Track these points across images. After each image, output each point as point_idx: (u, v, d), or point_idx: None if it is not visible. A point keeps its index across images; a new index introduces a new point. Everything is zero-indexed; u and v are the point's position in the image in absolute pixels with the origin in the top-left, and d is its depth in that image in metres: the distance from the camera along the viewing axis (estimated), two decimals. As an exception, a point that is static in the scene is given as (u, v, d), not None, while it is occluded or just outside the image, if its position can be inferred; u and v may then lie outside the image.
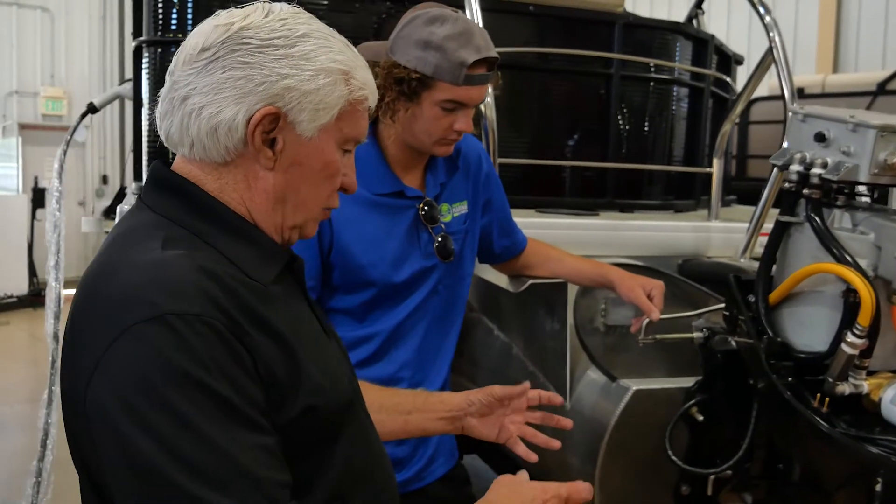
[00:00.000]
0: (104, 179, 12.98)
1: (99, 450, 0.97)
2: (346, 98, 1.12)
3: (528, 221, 2.41)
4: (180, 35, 2.97)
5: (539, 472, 2.46)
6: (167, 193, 1.12)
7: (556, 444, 1.62)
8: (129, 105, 3.77)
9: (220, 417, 0.94)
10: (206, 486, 0.91)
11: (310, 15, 1.15)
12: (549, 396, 1.68)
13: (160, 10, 2.99)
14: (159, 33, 3.01)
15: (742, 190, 4.51)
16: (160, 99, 1.13)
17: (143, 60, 3.07)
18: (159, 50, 3.00)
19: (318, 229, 1.73)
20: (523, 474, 1.31)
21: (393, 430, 1.58)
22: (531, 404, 1.67)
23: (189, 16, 2.99)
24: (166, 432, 0.92)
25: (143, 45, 3.04)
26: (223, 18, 1.11)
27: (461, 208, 2.04)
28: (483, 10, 2.58)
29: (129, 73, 3.66)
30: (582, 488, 1.28)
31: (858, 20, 10.01)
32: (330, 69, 1.10)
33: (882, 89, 6.12)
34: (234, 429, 0.95)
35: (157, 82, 3.00)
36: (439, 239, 1.94)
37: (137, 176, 3.14)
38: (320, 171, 1.15)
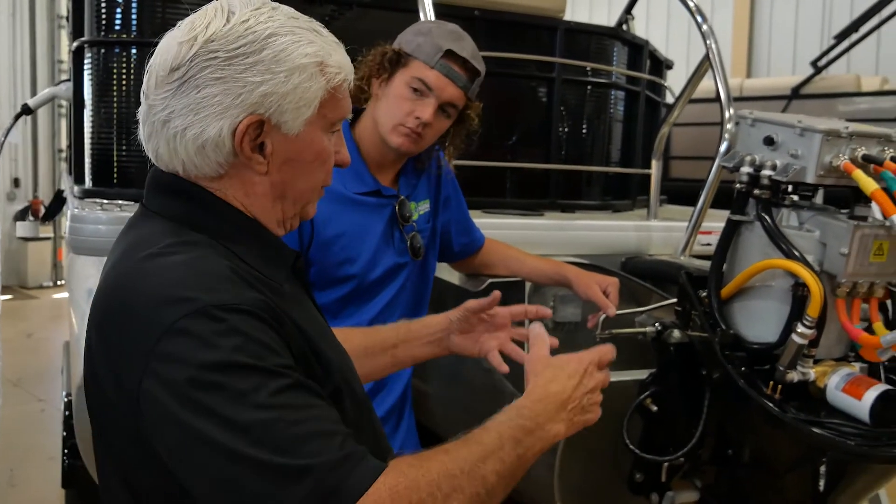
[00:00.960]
0: (16, 182, 12.54)
1: (162, 444, 0.98)
2: (324, 88, 1.13)
3: (476, 222, 2.47)
4: (124, 35, 2.94)
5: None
6: (180, 199, 1.13)
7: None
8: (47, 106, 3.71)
9: (277, 388, 0.96)
10: (282, 454, 0.92)
11: (272, 6, 1.14)
12: (537, 310, 1.68)
13: (103, 10, 2.95)
14: (102, 34, 2.96)
15: (666, 189, 4.65)
16: (140, 120, 1.14)
17: (85, 61, 3.02)
18: (102, 51, 2.95)
19: (300, 226, 1.77)
20: (536, 326, 1.38)
21: (384, 367, 1.61)
22: (517, 319, 1.67)
23: (133, 16, 2.95)
24: (230, 414, 0.93)
25: (85, 45, 2.99)
26: (185, 32, 1.10)
27: (425, 206, 2.10)
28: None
29: (41, 73, 3.60)
30: (606, 350, 1.39)
31: (770, 27, 10.43)
32: (303, 65, 1.10)
33: (796, 94, 6.41)
34: (293, 396, 0.97)
35: (101, 83, 2.96)
36: (411, 237, 2.00)
37: (79, 178, 3.09)
38: (313, 161, 1.17)
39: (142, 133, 1.14)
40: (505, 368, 1.60)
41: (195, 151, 1.09)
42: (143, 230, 1.14)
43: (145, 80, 1.13)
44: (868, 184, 1.72)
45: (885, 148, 1.81)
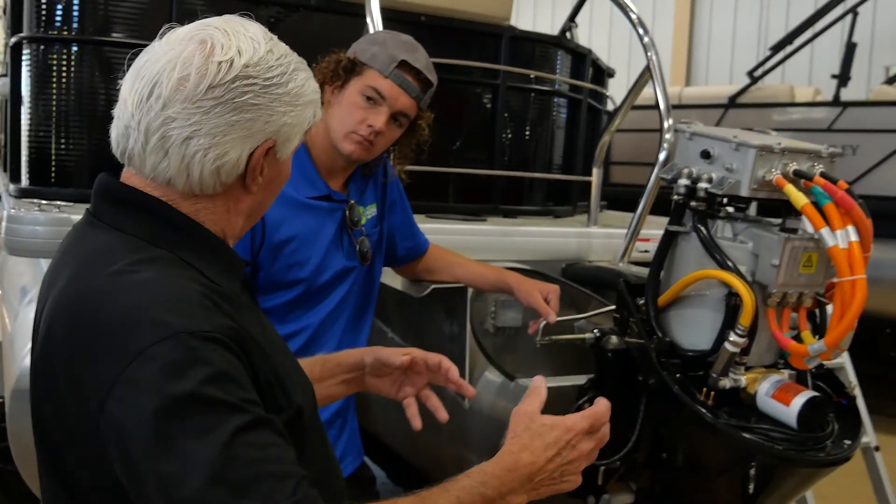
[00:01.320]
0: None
1: (121, 470, 0.98)
2: (312, 120, 1.19)
3: (419, 227, 2.49)
4: (65, 32, 2.89)
5: (436, 469, 2.54)
6: (134, 211, 1.12)
7: (443, 415, 1.53)
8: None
9: (240, 426, 0.96)
10: (237, 495, 0.93)
11: (274, 38, 1.16)
12: (449, 368, 1.54)
13: (43, 7, 2.90)
14: (42, 30, 2.91)
15: (607, 195, 4.73)
16: (132, 126, 1.09)
17: (24, 57, 2.96)
18: (42, 47, 2.90)
19: (251, 231, 1.77)
20: (539, 378, 1.26)
21: None
22: (432, 371, 1.55)
23: (75, 12, 2.90)
24: (190, 449, 0.93)
25: (24, 41, 2.93)
26: (219, 53, 1.08)
27: (372, 211, 2.12)
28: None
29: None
30: (600, 412, 1.23)
31: (709, 38, 10.68)
32: (314, 101, 1.18)
33: (732, 103, 6.56)
34: (254, 436, 0.97)
35: (40, 80, 2.90)
36: (359, 241, 2.02)
37: (14, 177, 3.02)
38: (282, 183, 1.22)
39: (131, 140, 1.10)
40: (418, 424, 1.52)
41: (210, 172, 1.09)
42: (98, 242, 1.12)
43: (159, 87, 1.07)
44: (798, 198, 1.79)
45: (816, 163, 1.88)
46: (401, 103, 1.94)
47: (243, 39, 1.11)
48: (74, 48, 2.88)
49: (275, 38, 1.16)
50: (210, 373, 0.97)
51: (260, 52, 1.11)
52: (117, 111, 1.13)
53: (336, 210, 2.01)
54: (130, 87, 1.10)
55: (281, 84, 1.11)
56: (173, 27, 1.15)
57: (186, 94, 1.07)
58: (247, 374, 1.02)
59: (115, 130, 1.13)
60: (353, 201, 2.04)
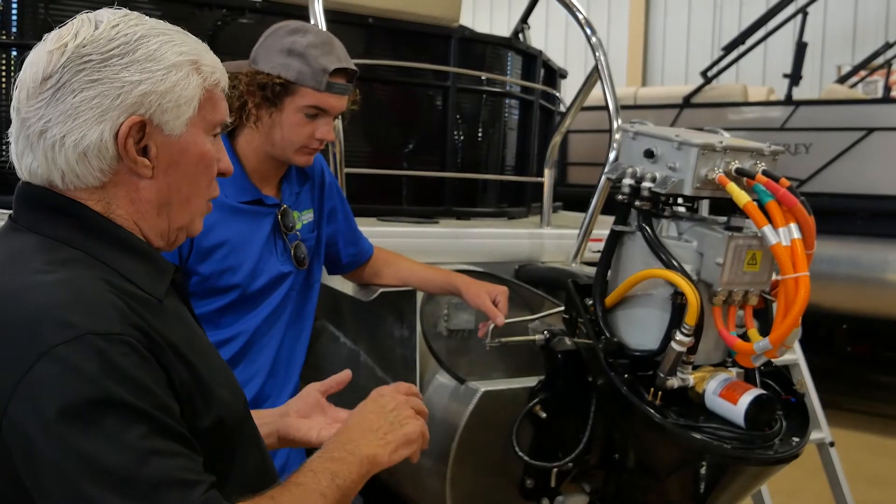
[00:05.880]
0: None
1: (24, 473, 0.95)
2: (202, 86, 1.13)
3: (370, 230, 2.47)
4: (3, 37, 2.82)
5: (388, 473, 2.52)
6: (54, 215, 1.10)
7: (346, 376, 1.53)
8: None
9: (146, 432, 0.94)
10: (141, 501, 0.91)
11: (137, 14, 1.14)
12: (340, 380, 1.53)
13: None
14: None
15: (564, 196, 4.74)
16: (11, 138, 1.10)
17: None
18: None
19: None
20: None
21: None
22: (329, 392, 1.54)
23: (14, 17, 2.83)
24: (95, 454, 0.91)
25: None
26: (53, 42, 1.08)
27: (308, 216, 2.10)
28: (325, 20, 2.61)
29: None
30: (403, 385, 1.36)
31: (664, 38, 10.78)
32: (179, 63, 1.11)
33: (687, 102, 6.62)
34: (161, 442, 0.95)
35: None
36: (294, 246, 1.99)
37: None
38: (198, 164, 1.16)
39: (14, 152, 1.11)
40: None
41: (77, 159, 1.06)
42: (14, 245, 1.09)
43: (15, 95, 1.09)
44: (741, 196, 1.79)
45: (758, 162, 1.89)
46: (340, 106, 1.94)
47: (85, 23, 1.09)
48: (14, 53, 2.82)
49: (136, 16, 1.13)
50: (117, 377, 0.94)
51: (99, 31, 1.08)
52: None
53: (268, 215, 1.98)
54: None
55: (124, 54, 1.07)
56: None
57: (28, 92, 1.07)
58: (159, 377, 1.00)
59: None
60: (286, 206, 2.01)
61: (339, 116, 2.08)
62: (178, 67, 1.10)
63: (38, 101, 1.06)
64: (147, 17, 1.14)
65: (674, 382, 1.89)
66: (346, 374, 1.55)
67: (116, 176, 1.10)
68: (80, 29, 1.09)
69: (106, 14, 1.11)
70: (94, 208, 1.11)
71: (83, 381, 0.93)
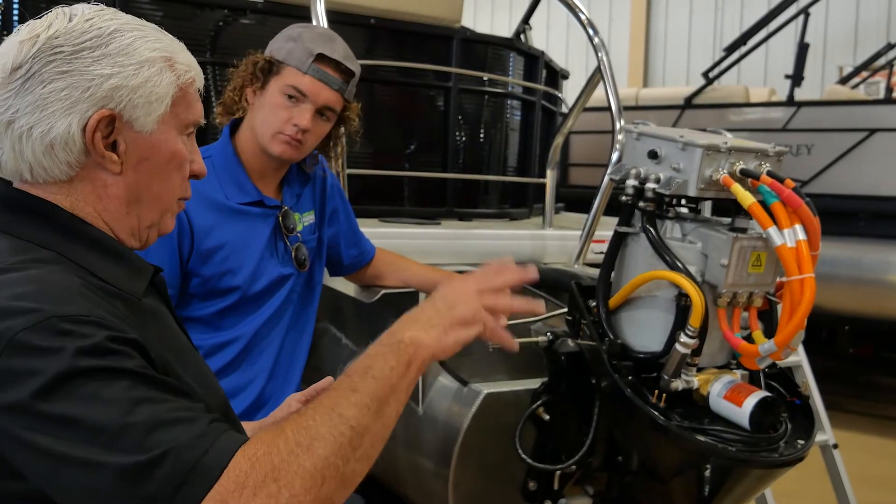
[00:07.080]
0: None
1: (21, 466, 0.94)
2: (175, 84, 1.12)
3: (371, 231, 2.46)
4: (4, 36, 2.81)
5: (390, 475, 2.50)
6: (24, 215, 1.09)
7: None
8: None
9: (130, 386, 0.92)
10: (141, 450, 0.89)
11: (113, 9, 1.13)
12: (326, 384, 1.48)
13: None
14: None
15: (566, 197, 4.73)
16: None
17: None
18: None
19: (179, 237, 1.71)
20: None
21: None
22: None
23: (14, 16, 2.83)
24: (79, 416, 0.90)
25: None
26: (25, 33, 1.07)
27: (309, 218, 2.08)
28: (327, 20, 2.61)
29: None
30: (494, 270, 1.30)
31: (665, 39, 10.77)
32: (152, 59, 1.10)
33: (688, 103, 6.61)
34: (149, 391, 0.93)
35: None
36: (295, 248, 1.98)
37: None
38: (169, 163, 1.14)
39: None
40: None
41: (43, 152, 1.05)
42: None
43: None
44: (745, 197, 1.78)
45: (762, 162, 1.87)
46: (323, 98, 1.90)
47: (59, 15, 1.08)
48: None
49: (112, 11, 1.11)
50: (88, 348, 0.92)
51: (73, 23, 1.07)
52: None
53: (269, 216, 1.97)
54: None
55: (95, 48, 1.06)
56: None
57: None
58: (134, 349, 0.97)
59: None
60: (286, 207, 2.00)
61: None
62: (150, 63, 1.09)
63: (7, 92, 1.05)
64: (123, 13, 1.13)
65: (678, 384, 1.87)
66: (327, 381, 1.50)
67: (84, 170, 1.09)
68: (54, 21, 1.08)
69: (81, 7, 1.11)
70: (62, 204, 1.10)
71: (52, 359, 0.91)
